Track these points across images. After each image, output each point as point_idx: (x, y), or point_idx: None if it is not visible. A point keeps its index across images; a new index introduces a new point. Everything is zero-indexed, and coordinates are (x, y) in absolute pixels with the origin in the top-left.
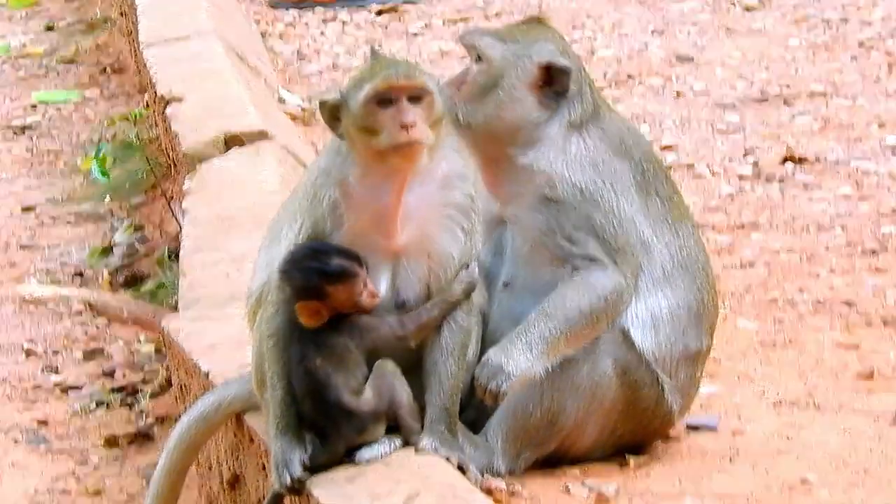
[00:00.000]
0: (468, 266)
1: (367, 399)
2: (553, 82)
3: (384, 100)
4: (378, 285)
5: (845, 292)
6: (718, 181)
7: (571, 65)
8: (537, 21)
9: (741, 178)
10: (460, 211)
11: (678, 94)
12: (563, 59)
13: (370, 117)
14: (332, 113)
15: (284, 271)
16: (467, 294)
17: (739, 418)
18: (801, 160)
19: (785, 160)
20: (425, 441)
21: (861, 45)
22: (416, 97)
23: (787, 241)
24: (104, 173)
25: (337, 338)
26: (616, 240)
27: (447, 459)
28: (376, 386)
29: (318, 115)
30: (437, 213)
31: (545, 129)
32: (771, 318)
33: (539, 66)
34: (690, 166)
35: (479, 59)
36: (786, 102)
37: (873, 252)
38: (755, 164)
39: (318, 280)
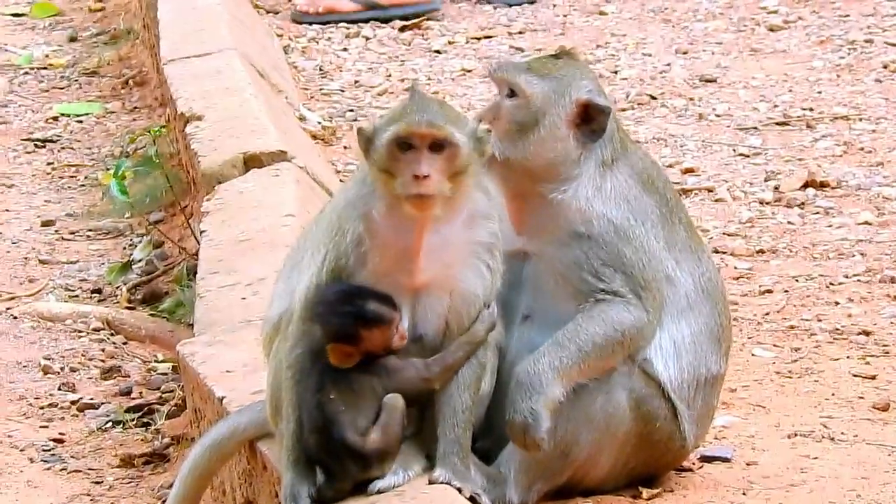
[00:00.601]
0: (490, 304)
1: (374, 439)
2: (590, 120)
3: (405, 144)
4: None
5: (863, 321)
6: (739, 206)
7: (608, 104)
8: (568, 55)
9: (761, 202)
10: (485, 249)
11: (700, 116)
12: (601, 98)
13: (390, 160)
14: (367, 143)
15: (319, 314)
16: (488, 333)
17: (753, 449)
18: (822, 185)
19: (806, 185)
20: (438, 472)
21: (885, 66)
22: (439, 146)
23: (806, 267)
24: (123, 191)
25: (360, 376)
26: (643, 275)
27: (459, 491)
28: (385, 424)
29: (338, 133)
30: (460, 252)
31: (581, 167)
32: (788, 346)
33: (578, 104)
34: (711, 190)
35: (512, 94)
36: (808, 126)
37: (892, 280)
38: (776, 188)
39: (354, 325)
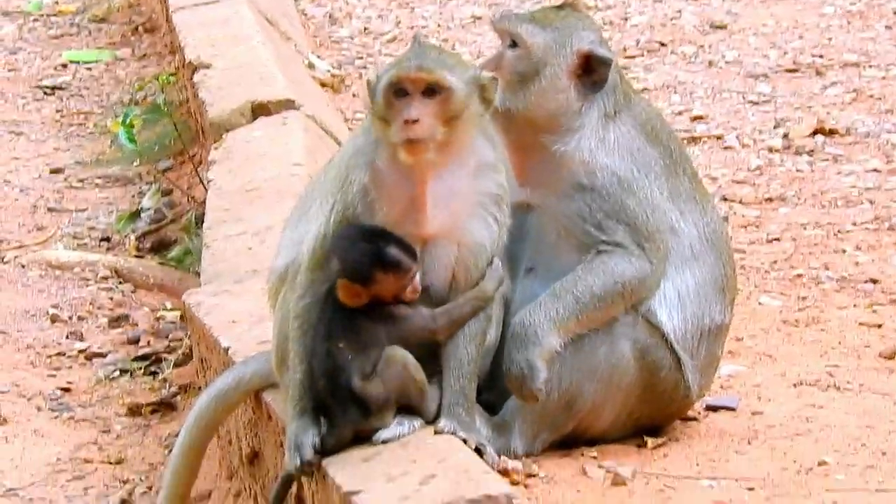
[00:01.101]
0: (495, 258)
1: (376, 386)
2: (592, 71)
3: (399, 91)
4: None
5: (870, 269)
6: (748, 153)
7: (610, 55)
8: (570, 6)
9: (770, 150)
10: (491, 200)
11: (710, 63)
12: (603, 49)
13: (386, 107)
14: (371, 93)
15: (338, 247)
16: (497, 290)
17: (759, 399)
18: (831, 132)
19: (815, 132)
20: (443, 423)
21: None
22: (431, 91)
23: (814, 215)
24: (131, 140)
25: (367, 324)
26: (647, 227)
27: (464, 441)
28: (384, 374)
29: (347, 81)
30: (468, 203)
31: (583, 118)
32: (795, 295)
33: (579, 55)
34: (720, 137)
35: (513, 44)
36: (818, 73)
37: None
38: (785, 135)
39: (371, 265)
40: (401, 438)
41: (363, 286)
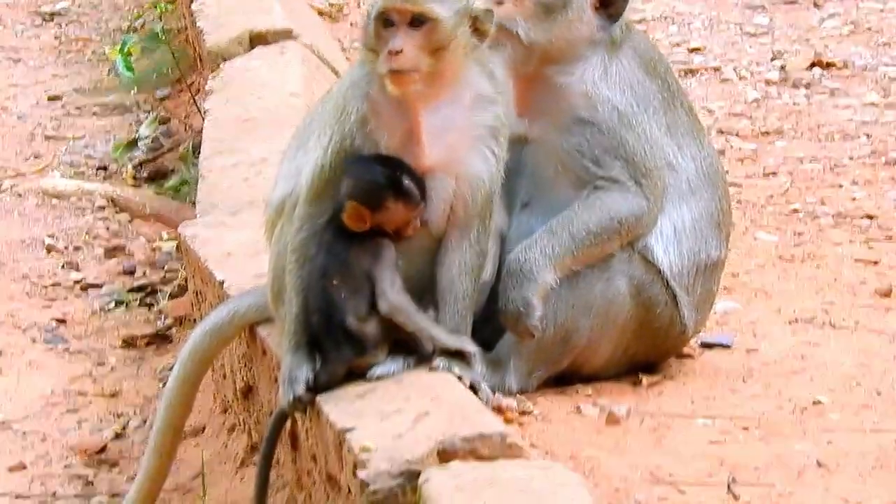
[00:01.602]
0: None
1: (371, 325)
2: (609, 4)
3: (387, 21)
4: None
5: (867, 205)
6: (745, 86)
7: None
8: None
9: (768, 82)
10: (489, 133)
11: None
12: None
13: (375, 38)
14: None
15: (354, 168)
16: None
17: (754, 336)
18: (828, 65)
19: (812, 65)
20: (438, 359)
21: None
22: (418, 21)
23: (811, 149)
24: (129, 68)
25: (360, 261)
26: (645, 163)
27: (459, 378)
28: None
29: (345, 10)
30: (465, 135)
31: (591, 49)
32: (791, 230)
33: None
34: (717, 69)
35: None
36: (815, 4)
37: None
38: (782, 68)
39: (385, 189)
40: (395, 375)
41: (372, 210)
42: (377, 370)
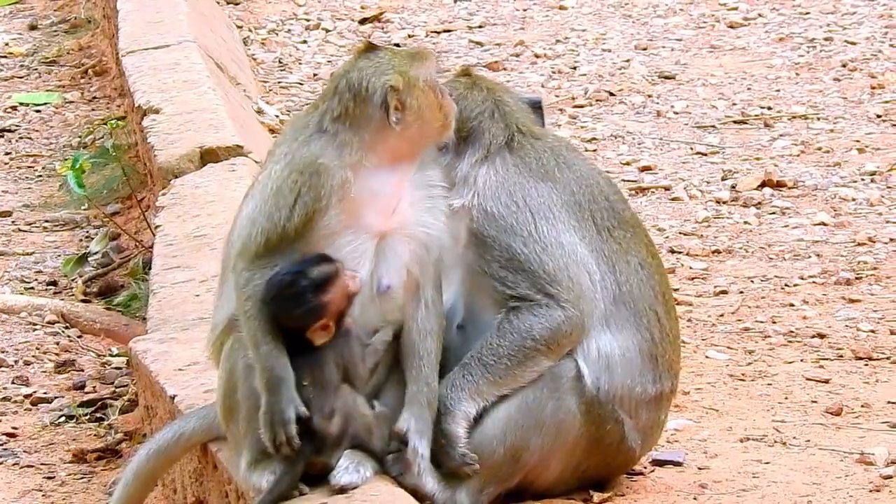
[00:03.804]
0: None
1: (335, 424)
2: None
3: None
4: (360, 266)
5: (818, 324)
6: (695, 204)
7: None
8: (461, 73)
9: (718, 201)
10: (436, 191)
11: (658, 113)
12: None
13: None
14: None
15: (277, 309)
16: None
17: (706, 453)
18: (779, 185)
19: (763, 184)
20: (403, 417)
21: (844, 65)
22: None
23: (761, 268)
24: (80, 184)
25: (325, 359)
26: (544, 268)
27: (413, 495)
28: (342, 412)
29: None
30: (419, 194)
31: (455, 172)
32: (742, 349)
33: None
34: (668, 188)
35: None
36: (766, 125)
37: (848, 282)
38: (733, 187)
39: (314, 295)
40: (357, 485)
41: (323, 316)
42: (341, 478)
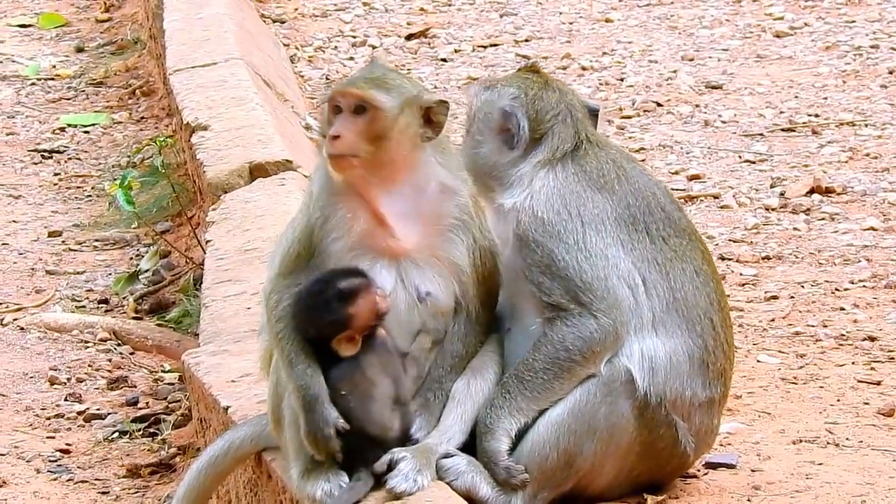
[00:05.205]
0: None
1: (395, 429)
2: (505, 129)
3: (336, 108)
4: (385, 285)
5: (868, 327)
6: (744, 212)
7: (518, 110)
8: (529, 69)
9: (767, 208)
10: (459, 225)
11: (706, 122)
12: (515, 103)
13: (326, 124)
14: None
15: (304, 319)
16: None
17: (759, 456)
18: (827, 191)
19: (811, 191)
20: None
21: (891, 72)
22: (361, 109)
23: (811, 273)
24: (129, 202)
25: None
26: (581, 276)
27: (468, 500)
28: (400, 415)
29: None
30: (435, 223)
31: (516, 170)
32: (793, 352)
33: (500, 112)
34: (716, 196)
35: None
36: (814, 132)
37: None
38: (782, 194)
39: (339, 307)
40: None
41: (350, 328)
42: (398, 484)
